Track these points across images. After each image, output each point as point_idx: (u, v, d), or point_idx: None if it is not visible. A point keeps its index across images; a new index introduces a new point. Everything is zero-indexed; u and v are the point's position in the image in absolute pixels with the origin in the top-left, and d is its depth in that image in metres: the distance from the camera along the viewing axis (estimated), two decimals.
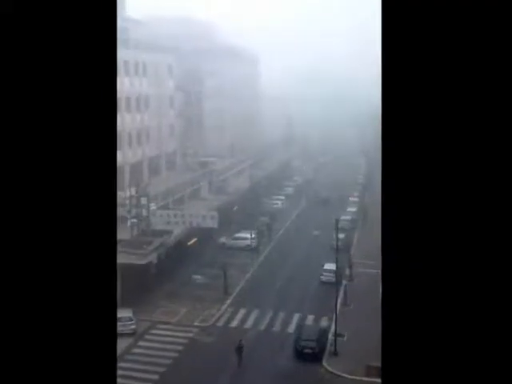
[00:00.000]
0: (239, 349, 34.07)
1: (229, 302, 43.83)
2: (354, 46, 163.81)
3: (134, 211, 44.42)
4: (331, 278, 43.72)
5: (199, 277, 48.13)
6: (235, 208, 65.34)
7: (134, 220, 44.54)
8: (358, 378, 32.22)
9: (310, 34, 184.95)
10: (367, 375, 31.70)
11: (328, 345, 36.08)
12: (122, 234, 39.70)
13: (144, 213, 44.73)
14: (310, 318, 40.86)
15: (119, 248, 37.10)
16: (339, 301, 40.36)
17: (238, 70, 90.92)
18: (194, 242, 52.57)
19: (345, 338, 36.62)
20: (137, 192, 45.14)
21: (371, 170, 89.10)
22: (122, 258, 35.60)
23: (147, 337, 37.84)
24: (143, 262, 41.33)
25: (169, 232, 46.56)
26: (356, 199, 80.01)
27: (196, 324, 39.79)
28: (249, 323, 40.29)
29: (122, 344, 34.19)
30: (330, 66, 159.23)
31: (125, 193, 44.53)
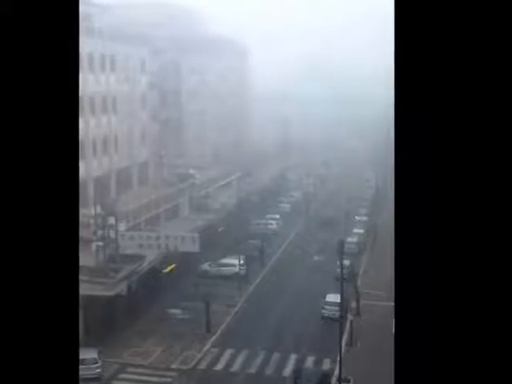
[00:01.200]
0: None
1: (213, 340, 43.65)
2: (358, 37, 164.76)
3: (99, 232, 44.28)
4: (335, 312, 43.61)
5: (177, 311, 47.93)
6: (220, 229, 65.22)
7: (100, 243, 44.39)
8: None
9: (310, 23, 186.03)
10: None
11: None
12: (86, 259, 39.53)
13: (111, 234, 44.60)
14: (310, 360, 40.72)
15: (82, 276, 36.88)
16: (344, 339, 40.20)
17: (225, 65, 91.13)
18: (172, 270, 52.39)
19: None
20: (103, 210, 45.03)
21: (381, 184, 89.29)
22: (85, 289, 35.40)
23: (115, 382, 37.59)
24: (111, 293, 41.15)
25: (141, 257, 46.40)
26: (363, 218, 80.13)
27: (173, 367, 39.58)
28: (236, 366, 40.10)
29: None
30: (334, 60, 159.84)
31: (89, 211, 44.40)
